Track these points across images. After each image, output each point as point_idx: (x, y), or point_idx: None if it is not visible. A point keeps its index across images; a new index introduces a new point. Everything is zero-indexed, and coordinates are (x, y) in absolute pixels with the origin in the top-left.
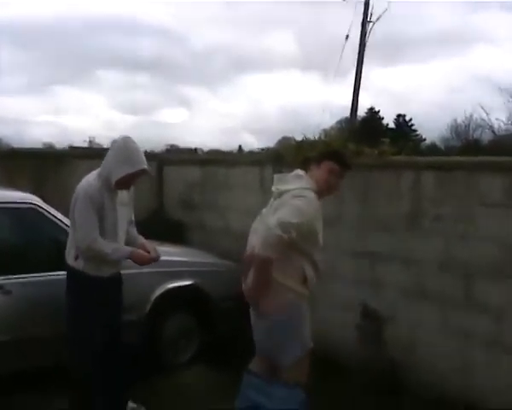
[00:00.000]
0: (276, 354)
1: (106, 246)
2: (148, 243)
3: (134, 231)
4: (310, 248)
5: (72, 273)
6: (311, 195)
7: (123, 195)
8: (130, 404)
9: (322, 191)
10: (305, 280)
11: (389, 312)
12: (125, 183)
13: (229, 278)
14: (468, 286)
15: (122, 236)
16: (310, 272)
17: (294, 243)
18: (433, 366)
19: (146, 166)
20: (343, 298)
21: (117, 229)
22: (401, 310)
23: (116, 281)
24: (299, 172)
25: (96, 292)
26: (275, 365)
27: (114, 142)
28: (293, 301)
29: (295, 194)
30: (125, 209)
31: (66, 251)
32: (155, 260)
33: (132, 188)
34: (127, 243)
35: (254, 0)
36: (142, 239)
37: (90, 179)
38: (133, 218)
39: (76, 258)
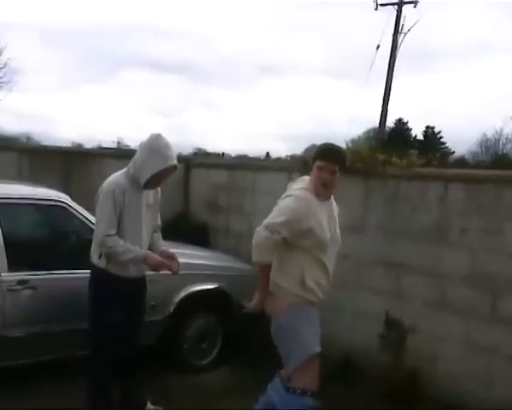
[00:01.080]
0: (283, 358)
1: (119, 245)
2: (170, 251)
3: (158, 235)
4: (311, 246)
5: (95, 271)
6: (302, 193)
7: (149, 197)
8: (149, 406)
9: (318, 190)
10: (303, 282)
11: (412, 323)
12: (155, 181)
13: (253, 283)
14: (493, 301)
15: (146, 238)
16: (313, 272)
17: (292, 241)
18: (454, 379)
19: (176, 162)
20: (367, 306)
21: (141, 230)
22: (425, 321)
23: (138, 283)
24: (304, 176)
25: (116, 291)
26: None
27: (145, 140)
28: (291, 304)
29: (286, 194)
30: (150, 211)
31: (92, 249)
32: (171, 269)
33: (159, 191)
34: (149, 248)
35: (283, 4)
36: (162, 246)
37: (117, 177)
38: (159, 222)
39: (100, 256)
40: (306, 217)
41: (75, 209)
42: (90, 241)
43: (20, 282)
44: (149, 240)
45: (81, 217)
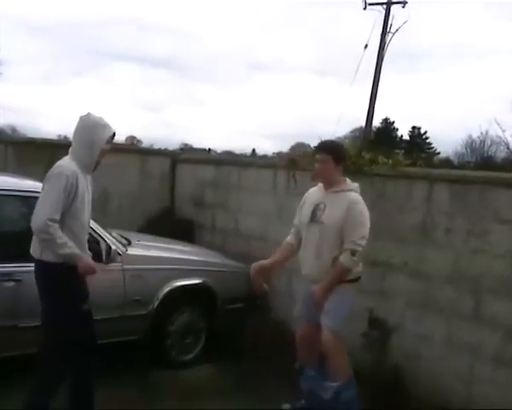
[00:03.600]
0: None
1: (59, 235)
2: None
3: None
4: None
5: (45, 266)
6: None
7: (88, 183)
8: None
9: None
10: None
11: (396, 321)
12: (101, 157)
13: (238, 279)
14: (476, 301)
15: (88, 224)
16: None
17: None
18: (437, 378)
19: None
20: None
21: (88, 217)
22: (408, 321)
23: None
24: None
25: (73, 283)
26: None
27: (80, 122)
28: None
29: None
30: (88, 198)
31: (34, 244)
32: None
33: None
34: None
35: (271, 1)
36: None
37: (67, 162)
38: None
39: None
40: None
41: None
42: None
43: (4, 274)
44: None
45: None
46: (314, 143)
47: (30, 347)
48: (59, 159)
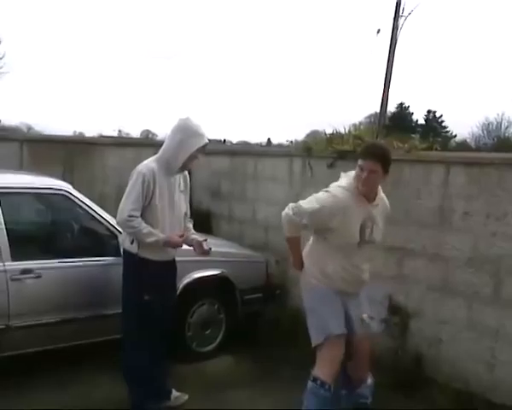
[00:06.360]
0: None
1: (143, 227)
2: (199, 240)
3: (188, 222)
4: (336, 241)
5: (127, 257)
6: (337, 191)
7: (180, 182)
8: (175, 393)
9: (357, 187)
10: (324, 270)
11: (416, 307)
12: (189, 162)
13: (256, 269)
14: (496, 284)
15: (179, 223)
16: (335, 263)
17: (317, 231)
18: (457, 362)
19: (207, 140)
20: None
21: (174, 215)
22: (428, 305)
23: (169, 265)
24: (350, 172)
25: (149, 275)
26: None
27: (177, 124)
28: (312, 287)
29: (327, 189)
30: (182, 196)
31: (122, 236)
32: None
33: (188, 176)
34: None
35: None
36: (193, 234)
37: (149, 161)
38: (188, 210)
39: (132, 242)
40: (332, 217)
41: (77, 197)
42: (92, 229)
43: (24, 271)
44: (182, 224)
45: (83, 205)
46: (328, 130)
47: (52, 342)
48: (74, 156)
